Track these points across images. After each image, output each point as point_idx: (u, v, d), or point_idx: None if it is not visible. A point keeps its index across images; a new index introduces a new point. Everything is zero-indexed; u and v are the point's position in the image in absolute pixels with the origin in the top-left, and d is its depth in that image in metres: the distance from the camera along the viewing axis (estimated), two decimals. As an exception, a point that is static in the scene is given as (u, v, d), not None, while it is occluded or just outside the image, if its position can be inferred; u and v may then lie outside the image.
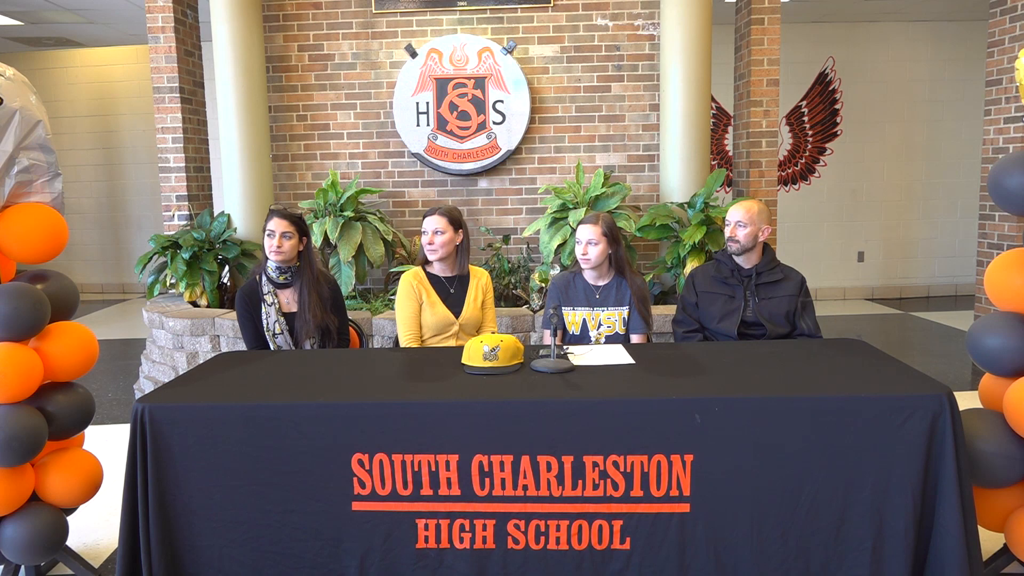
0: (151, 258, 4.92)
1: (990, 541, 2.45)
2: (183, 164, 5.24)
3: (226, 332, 4.42)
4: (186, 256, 4.70)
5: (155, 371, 4.79)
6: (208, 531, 2.16)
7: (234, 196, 5.12)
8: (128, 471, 2.14)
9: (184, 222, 5.24)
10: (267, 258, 3.03)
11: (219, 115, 5.07)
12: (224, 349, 4.45)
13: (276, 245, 2.98)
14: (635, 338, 3.12)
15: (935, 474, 2.07)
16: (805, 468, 2.08)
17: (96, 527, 3.02)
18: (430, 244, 3.07)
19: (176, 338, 4.58)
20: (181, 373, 3.02)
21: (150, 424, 2.12)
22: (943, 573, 2.06)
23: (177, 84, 5.17)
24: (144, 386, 4.82)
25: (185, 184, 5.26)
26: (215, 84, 5.07)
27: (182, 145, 5.23)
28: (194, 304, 4.86)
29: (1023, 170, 2.31)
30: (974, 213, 6.36)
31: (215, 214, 5.16)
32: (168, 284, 4.88)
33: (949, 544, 2.05)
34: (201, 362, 2.94)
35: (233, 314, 4.50)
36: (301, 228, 3.06)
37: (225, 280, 5.02)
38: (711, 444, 2.08)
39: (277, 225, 2.99)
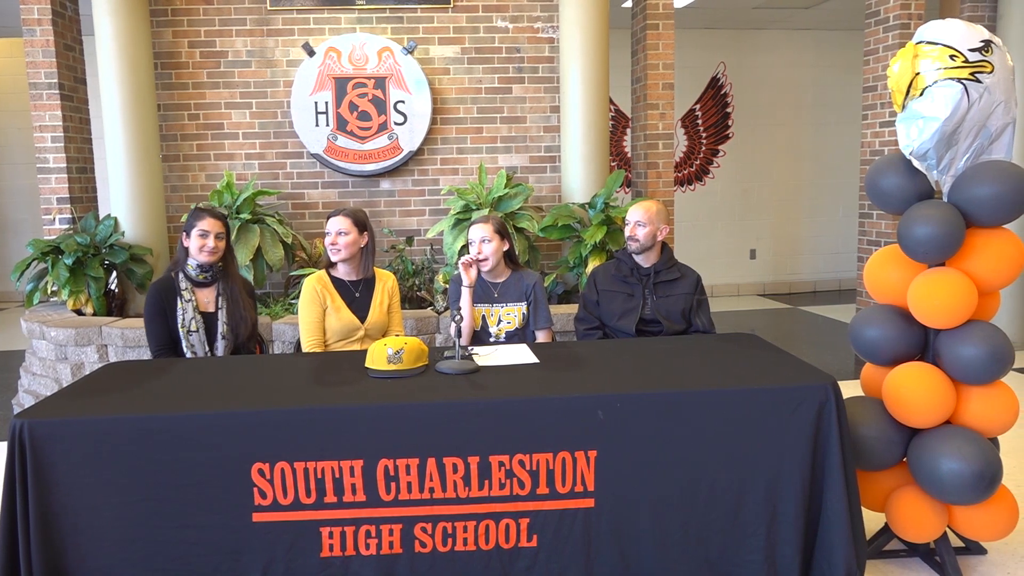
0: (29, 264, 4.63)
1: (873, 521, 2.60)
2: (64, 164, 4.95)
3: (115, 341, 4.21)
4: (69, 262, 4.44)
5: (36, 384, 4.51)
6: (98, 551, 2.05)
7: (121, 198, 4.87)
8: (6, 491, 2.01)
9: (67, 226, 4.96)
10: (186, 257, 3.01)
11: (103, 113, 4.82)
12: (112, 359, 4.23)
13: (211, 245, 2.98)
14: (541, 335, 3.17)
15: (822, 460, 2.18)
16: (703, 459, 2.16)
17: (-29, 553, 2.82)
18: (333, 244, 3.03)
19: (59, 348, 4.33)
20: (65, 386, 2.86)
21: (30, 440, 2.00)
22: (831, 553, 2.17)
23: (56, 80, 4.88)
24: (24, 400, 4.54)
25: (67, 186, 4.97)
26: (99, 81, 4.82)
27: (63, 144, 4.94)
28: (79, 312, 4.60)
29: (896, 171, 2.46)
30: (855, 212, 6.76)
31: (101, 217, 4.91)
32: (49, 292, 4.60)
33: (836, 525, 2.16)
34: (87, 373, 2.79)
35: (123, 321, 4.30)
36: (228, 228, 3.10)
37: (112, 286, 4.78)
38: (614, 440, 2.13)
39: (212, 226, 2.98)
